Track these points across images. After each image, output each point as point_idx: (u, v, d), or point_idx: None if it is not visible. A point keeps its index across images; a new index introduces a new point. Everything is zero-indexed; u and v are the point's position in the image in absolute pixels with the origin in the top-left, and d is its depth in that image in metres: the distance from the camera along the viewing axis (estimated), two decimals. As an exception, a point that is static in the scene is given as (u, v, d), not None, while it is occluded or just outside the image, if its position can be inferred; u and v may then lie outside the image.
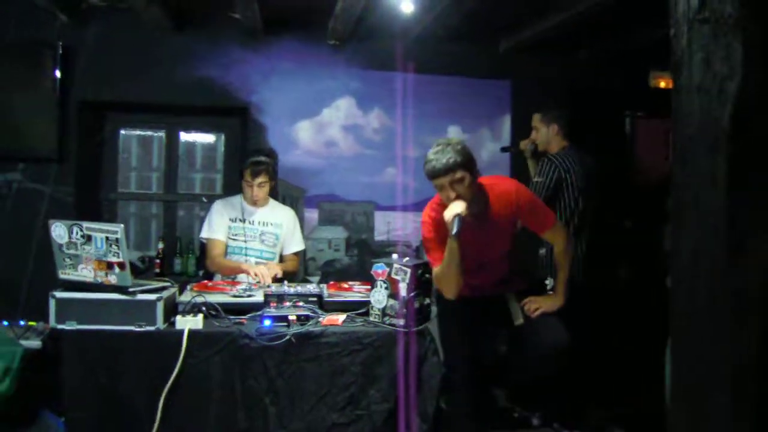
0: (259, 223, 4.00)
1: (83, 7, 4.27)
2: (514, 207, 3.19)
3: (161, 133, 5.06)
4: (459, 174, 3.00)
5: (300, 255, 4.20)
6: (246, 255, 3.97)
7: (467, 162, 3.03)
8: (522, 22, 4.37)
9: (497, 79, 4.97)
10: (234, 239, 3.97)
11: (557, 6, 3.99)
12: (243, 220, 3.97)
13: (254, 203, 3.97)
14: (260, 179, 3.87)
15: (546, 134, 4.00)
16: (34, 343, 3.39)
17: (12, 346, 3.17)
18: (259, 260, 3.96)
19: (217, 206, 4.05)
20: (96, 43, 4.45)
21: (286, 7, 4.16)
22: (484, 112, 4.96)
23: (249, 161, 3.98)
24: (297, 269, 4.15)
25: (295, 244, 4.10)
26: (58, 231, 3.03)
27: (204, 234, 3.98)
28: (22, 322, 3.66)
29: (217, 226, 3.98)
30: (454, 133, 4.92)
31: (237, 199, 4.01)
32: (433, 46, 4.65)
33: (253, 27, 4.33)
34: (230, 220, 3.98)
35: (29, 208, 4.37)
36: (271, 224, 4.00)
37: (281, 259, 4.09)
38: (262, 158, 3.99)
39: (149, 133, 5.09)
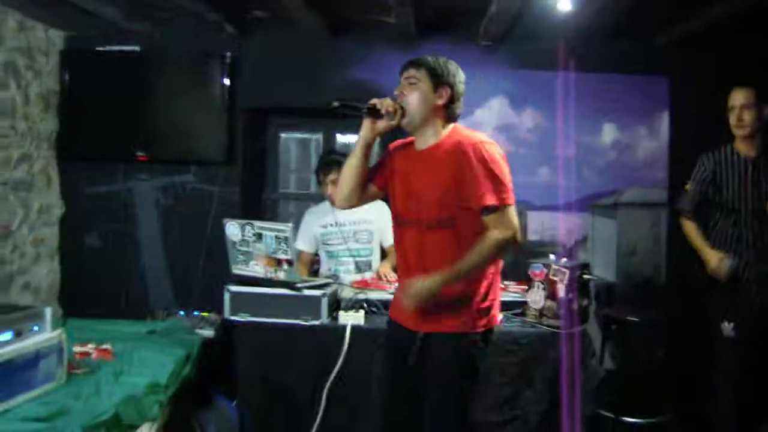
0: (351, 222, 4.02)
1: (248, 18, 4.52)
2: (459, 155, 2.37)
3: (318, 136, 5.27)
4: (415, 74, 2.45)
5: None
6: (347, 257, 4.00)
7: (437, 74, 2.45)
8: (680, 15, 4.16)
9: (654, 75, 4.77)
10: (331, 244, 4.01)
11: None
12: (335, 224, 4.00)
13: (333, 201, 4.01)
14: (333, 176, 3.83)
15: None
16: (208, 333, 3.65)
17: (190, 335, 3.43)
18: (357, 259, 4.02)
19: (306, 217, 4.13)
20: (259, 52, 4.71)
21: (440, 9, 4.20)
22: (640, 109, 4.77)
23: (320, 161, 4.05)
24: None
25: (390, 235, 4.12)
26: (232, 229, 3.24)
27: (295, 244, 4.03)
28: (196, 313, 3.96)
29: (303, 236, 4.04)
30: (609, 130, 4.77)
31: (326, 205, 4.02)
32: (587, 43, 4.54)
33: (405, 30, 4.40)
34: (321, 227, 4.01)
35: (201, 207, 4.69)
36: (363, 221, 4.00)
37: (383, 253, 4.11)
38: (333, 156, 4.03)
39: (307, 135, 5.32)
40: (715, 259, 3.34)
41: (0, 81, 4.04)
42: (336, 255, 4.03)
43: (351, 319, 3.13)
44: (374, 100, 2.43)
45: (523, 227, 4.76)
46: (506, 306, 3.36)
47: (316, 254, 4.13)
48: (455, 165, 2.37)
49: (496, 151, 2.42)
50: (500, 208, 2.37)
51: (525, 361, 3.12)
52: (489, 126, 4.69)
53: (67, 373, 2.68)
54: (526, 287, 3.35)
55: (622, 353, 4.32)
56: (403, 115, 2.45)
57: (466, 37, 4.49)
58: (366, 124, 2.47)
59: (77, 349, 3.02)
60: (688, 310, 3.96)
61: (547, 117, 4.71)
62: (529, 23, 4.15)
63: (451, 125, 2.52)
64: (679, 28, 4.31)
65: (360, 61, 4.65)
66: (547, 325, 3.15)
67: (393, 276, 3.87)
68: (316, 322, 3.13)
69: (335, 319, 3.17)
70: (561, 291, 3.13)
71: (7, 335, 2.42)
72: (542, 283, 3.21)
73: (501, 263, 2.59)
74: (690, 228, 3.52)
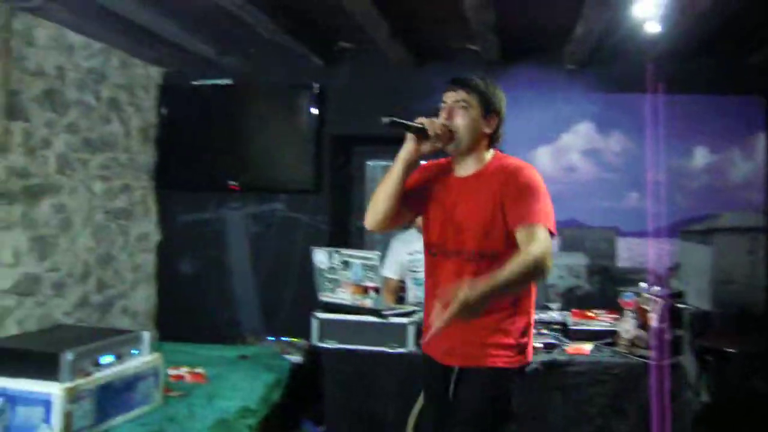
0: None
1: (335, 49, 4.64)
2: (504, 180, 2.29)
3: (403, 164, 5.30)
4: (466, 97, 2.32)
5: None
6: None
7: (488, 100, 2.35)
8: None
9: (748, 96, 4.59)
10: (418, 271, 3.96)
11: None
12: (422, 251, 3.99)
13: (419, 229, 3.98)
14: None
15: None
16: (296, 358, 3.72)
17: (280, 360, 3.51)
18: None
19: (393, 244, 4.13)
20: (346, 82, 4.81)
21: (523, 35, 4.20)
22: (734, 131, 4.60)
23: None
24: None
25: None
26: (320, 257, 3.31)
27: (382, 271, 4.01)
28: (284, 339, 4.04)
29: (390, 264, 4.03)
30: (701, 153, 4.62)
31: (413, 232, 3.99)
32: (676, 64, 4.42)
33: (490, 57, 4.42)
34: (408, 254, 3.99)
35: (289, 234, 4.80)
36: None
37: None
38: None
39: (393, 163, 5.36)
40: None
41: (104, 116, 4.29)
42: (422, 282, 4.03)
43: (437, 347, 3.12)
44: (423, 120, 2.30)
45: (612, 254, 4.65)
46: (596, 335, 3.30)
47: (403, 281, 4.15)
48: (499, 192, 2.27)
49: (538, 176, 2.31)
50: (539, 226, 2.19)
51: (616, 392, 3.04)
52: (575, 150, 4.62)
53: (163, 396, 2.79)
54: (617, 316, 3.27)
55: (719, 385, 4.13)
56: (451, 138, 2.31)
57: (551, 61, 4.46)
58: (409, 144, 2.31)
59: (171, 372, 3.14)
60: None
61: (635, 140, 4.60)
62: (615, 45, 4.09)
63: (492, 151, 2.41)
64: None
65: (445, 88, 4.68)
66: (639, 356, 3.06)
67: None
68: (402, 350, 3.14)
69: (421, 346, 3.17)
70: (653, 320, 3.04)
71: (110, 358, 2.55)
72: (633, 312, 3.13)
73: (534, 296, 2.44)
74: None
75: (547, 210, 2.24)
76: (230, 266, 4.89)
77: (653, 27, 3.26)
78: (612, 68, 4.52)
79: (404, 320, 3.15)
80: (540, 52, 4.43)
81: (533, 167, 2.34)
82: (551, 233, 2.20)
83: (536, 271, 2.11)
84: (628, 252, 4.61)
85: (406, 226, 3.93)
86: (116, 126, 4.42)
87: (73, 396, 2.30)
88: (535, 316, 3.47)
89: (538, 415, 3.04)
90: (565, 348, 3.17)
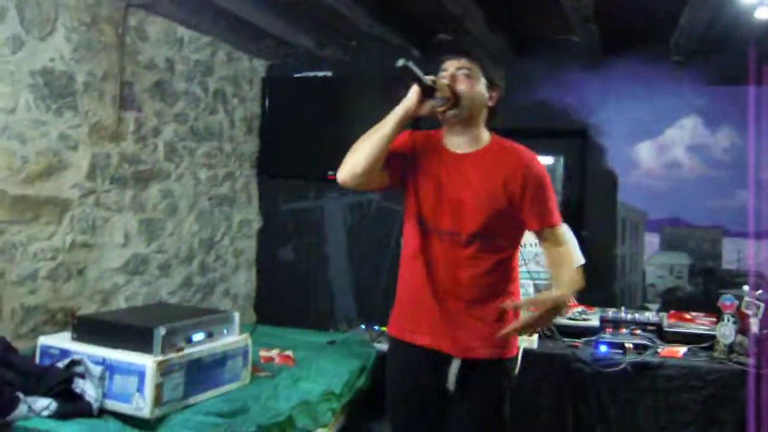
0: (532, 244, 3.91)
1: (433, 41, 4.64)
2: (514, 168, 2.19)
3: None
4: (471, 66, 2.21)
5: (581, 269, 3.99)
6: (526, 279, 3.90)
7: (490, 69, 2.26)
8: None
9: None
10: None
11: None
12: None
13: None
14: None
15: None
16: (385, 347, 3.76)
17: (367, 348, 3.56)
18: (537, 281, 3.90)
19: None
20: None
21: (625, 25, 4.05)
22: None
23: None
24: (583, 285, 3.96)
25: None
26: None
27: None
28: (376, 327, 4.10)
29: None
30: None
31: None
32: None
33: (591, 48, 4.30)
34: None
35: (385, 225, 4.86)
36: None
37: None
38: None
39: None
40: None
41: (210, 106, 4.49)
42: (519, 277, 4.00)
43: (524, 342, 3.08)
44: (434, 77, 2.15)
45: (717, 255, 4.42)
46: (693, 339, 3.17)
47: None
48: (509, 179, 2.17)
49: (544, 166, 2.28)
50: (562, 227, 2.27)
51: (711, 400, 2.91)
52: (680, 146, 4.42)
53: (251, 375, 2.90)
54: (716, 320, 3.12)
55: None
56: (455, 104, 2.16)
57: (655, 53, 4.28)
58: (413, 97, 2.14)
59: (263, 353, 3.26)
60: None
61: (745, 136, 4.34)
62: (723, 35, 3.88)
63: (488, 132, 2.29)
64: None
65: (546, 80, 4.60)
66: (737, 362, 2.91)
67: (572, 300, 3.76)
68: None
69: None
70: (754, 325, 2.89)
71: (200, 335, 2.68)
72: (733, 317, 2.99)
73: None
74: None
75: (555, 204, 2.26)
76: (327, 254, 5.01)
77: (763, 13, 3.07)
78: (721, 59, 4.26)
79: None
80: (643, 43, 4.26)
81: (537, 158, 2.27)
82: None
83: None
84: (735, 253, 4.36)
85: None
86: (221, 116, 4.61)
87: (164, 369, 2.44)
88: (631, 315, 3.41)
89: (627, 418, 2.96)
90: (659, 350, 3.07)
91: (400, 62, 2.05)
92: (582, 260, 3.98)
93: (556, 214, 2.24)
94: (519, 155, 2.23)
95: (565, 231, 2.32)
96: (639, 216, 4.57)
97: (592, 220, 4.65)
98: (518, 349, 2.38)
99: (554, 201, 2.25)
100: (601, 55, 4.38)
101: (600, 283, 4.43)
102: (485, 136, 2.27)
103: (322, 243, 5.03)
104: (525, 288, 3.92)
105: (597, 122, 4.58)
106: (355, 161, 2.15)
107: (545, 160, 5.10)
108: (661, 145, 4.44)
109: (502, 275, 2.25)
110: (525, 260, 3.92)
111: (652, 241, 4.57)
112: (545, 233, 2.23)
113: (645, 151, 4.52)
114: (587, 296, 3.95)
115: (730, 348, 2.97)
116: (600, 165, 4.60)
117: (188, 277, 4.33)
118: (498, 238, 2.21)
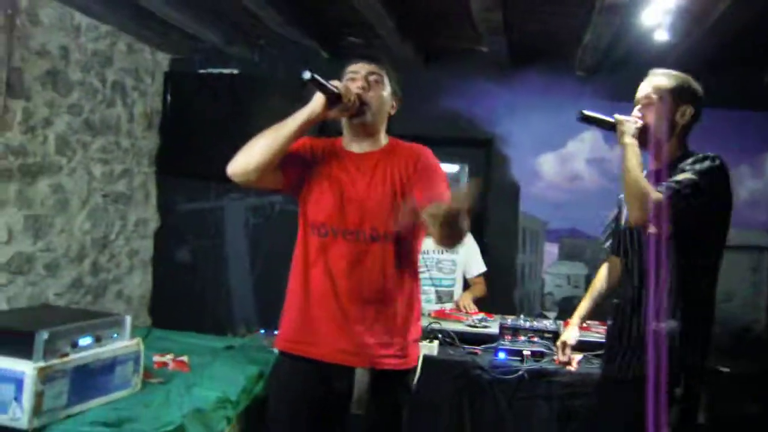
0: (434, 251, 3.98)
1: (343, 44, 4.60)
2: (408, 161, 2.21)
3: (408, 163, 5.27)
4: (379, 72, 2.22)
5: (483, 277, 4.09)
6: (429, 285, 3.95)
7: (395, 79, 2.28)
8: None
9: (759, 111, 4.50)
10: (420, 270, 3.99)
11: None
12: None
13: None
14: None
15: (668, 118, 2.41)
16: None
17: (266, 354, 3.47)
18: (439, 288, 3.96)
19: None
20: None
21: (533, 39, 4.15)
22: (744, 146, 4.50)
23: None
24: (484, 292, 4.06)
25: (475, 266, 4.05)
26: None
27: None
28: (276, 332, 4.00)
29: None
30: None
31: None
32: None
33: (499, 59, 4.37)
34: None
35: (288, 228, 4.74)
36: (447, 251, 3.96)
37: (466, 284, 4.03)
38: None
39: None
40: None
41: (108, 99, 4.28)
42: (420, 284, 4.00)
43: (424, 349, 3.07)
44: (339, 84, 2.12)
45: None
46: (588, 346, 3.24)
47: None
48: (405, 174, 2.19)
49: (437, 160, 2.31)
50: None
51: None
52: (581, 159, 4.56)
53: (143, 381, 2.76)
54: (609, 328, 3.20)
55: (712, 406, 4.06)
56: (361, 111, 2.17)
57: (561, 67, 4.40)
58: (319, 102, 2.10)
59: (156, 358, 3.10)
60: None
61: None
62: (624, 53, 4.03)
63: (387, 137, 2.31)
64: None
65: (453, 89, 4.65)
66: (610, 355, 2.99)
67: (473, 308, 3.80)
68: (388, 350, 3.09)
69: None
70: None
71: (87, 340, 2.51)
72: (624, 325, 3.06)
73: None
74: None
75: (446, 183, 2.23)
76: (227, 256, 4.88)
77: (662, 35, 3.19)
78: (622, 77, 4.41)
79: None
80: (550, 58, 4.38)
81: (429, 150, 2.28)
82: None
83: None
84: (628, 264, 4.53)
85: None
86: (120, 110, 4.41)
87: (45, 376, 2.27)
88: (530, 323, 3.46)
89: (523, 423, 2.99)
90: (555, 358, 3.11)
91: (306, 75, 2.04)
92: (484, 268, 4.04)
93: (446, 197, 2.10)
94: (413, 149, 2.26)
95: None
96: (539, 226, 4.68)
97: (494, 229, 4.73)
98: (418, 359, 2.35)
99: (445, 190, 2.18)
100: (509, 67, 4.46)
101: (501, 290, 4.51)
102: (384, 141, 2.29)
103: (222, 245, 4.89)
104: (427, 295, 3.95)
105: (502, 133, 4.66)
106: (250, 156, 2.13)
107: (449, 167, 5.17)
108: (563, 157, 4.57)
109: (408, 273, 2.25)
110: (427, 267, 3.94)
111: (551, 250, 4.69)
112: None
113: (547, 163, 4.64)
114: (488, 303, 4.02)
115: (622, 356, 3.04)
116: (503, 175, 4.68)
117: (78, 278, 4.10)
118: (403, 235, 2.19)
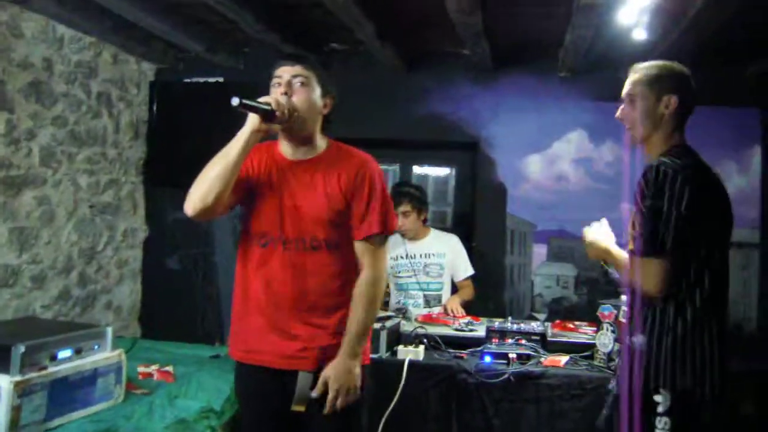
0: (421, 255, 3.96)
1: (325, 50, 4.60)
2: (349, 172, 2.20)
3: (395, 167, 5.27)
4: (306, 73, 2.19)
5: (471, 280, 4.08)
6: (417, 290, 3.95)
7: (325, 79, 2.26)
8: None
9: (743, 108, 4.49)
10: (400, 276, 3.97)
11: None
12: (406, 256, 3.95)
13: (403, 234, 3.94)
14: (402, 207, 3.82)
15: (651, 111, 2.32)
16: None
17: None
18: (427, 292, 3.95)
19: None
20: (336, 83, 4.76)
21: (515, 41, 4.15)
22: (728, 143, 4.48)
23: (391, 192, 3.99)
24: (473, 295, 4.05)
25: (463, 269, 4.02)
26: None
27: None
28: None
29: None
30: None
31: (397, 237, 3.93)
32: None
33: (482, 63, 4.37)
34: (392, 259, 3.94)
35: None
36: (434, 254, 3.95)
37: (454, 287, 4.03)
38: (404, 187, 4.00)
39: (384, 167, 5.33)
40: None
41: (93, 110, 4.28)
42: (405, 287, 3.99)
43: (410, 354, 3.06)
44: (269, 99, 2.13)
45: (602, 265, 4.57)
46: (575, 348, 3.23)
47: (386, 286, 4.11)
48: (344, 183, 2.18)
49: (380, 171, 2.27)
50: (386, 237, 2.26)
51: (591, 408, 2.95)
52: (567, 159, 4.56)
53: (126, 393, 2.74)
54: (596, 329, 3.19)
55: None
56: (290, 117, 2.13)
57: (544, 68, 4.42)
58: (255, 121, 2.11)
59: (141, 369, 3.10)
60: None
61: (628, 150, 4.51)
62: (606, 53, 4.03)
63: (326, 138, 2.30)
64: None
65: (436, 93, 4.66)
66: (615, 371, 2.98)
67: (461, 311, 3.79)
68: (374, 356, 3.08)
69: (394, 353, 3.12)
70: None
71: (67, 352, 2.51)
72: (611, 325, 3.05)
73: None
74: None
75: (389, 210, 2.26)
76: (216, 265, 4.87)
77: (641, 34, 3.19)
78: (605, 76, 4.42)
79: (376, 326, 3.08)
80: (532, 60, 4.39)
81: (374, 160, 2.28)
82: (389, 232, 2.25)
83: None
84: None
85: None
86: (105, 121, 4.40)
87: (22, 390, 2.26)
88: (517, 326, 3.45)
89: (511, 427, 2.98)
90: (542, 360, 3.10)
91: (235, 101, 2.06)
92: (472, 271, 4.03)
93: (380, 223, 2.20)
94: (354, 159, 2.24)
95: (385, 252, 2.28)
96: (527, 227, 4.67)
97: (482, 232, 4.73)
98: (368, 359, 2.35)
99: (381, 207, 2.21)
100: (492, 70, 4.47)
101: (490, 293, 4.50)
102: (322, 142, 2.27)
103: (212, 253, 4.88)
104: (415, 299, 3.94)
105: (488, 135, 4.66)
106: (206, 188, 2.09)
107: (437, 171, 5.17)
108: (549, 158, 4.56)
109: (348, 280, 2.23)
110: (415, 271, 3.93)
111: (539, 252, 4.68)
112: (361, 246, 2.22)
113: (533, 164, 4.63)
114: (478, 306, 4.01)
115: (609, 356, 3.04)
116: (490, 177, 4.68)
117: (66, 290, 4.09)
118: (341, 240, 2.20)
